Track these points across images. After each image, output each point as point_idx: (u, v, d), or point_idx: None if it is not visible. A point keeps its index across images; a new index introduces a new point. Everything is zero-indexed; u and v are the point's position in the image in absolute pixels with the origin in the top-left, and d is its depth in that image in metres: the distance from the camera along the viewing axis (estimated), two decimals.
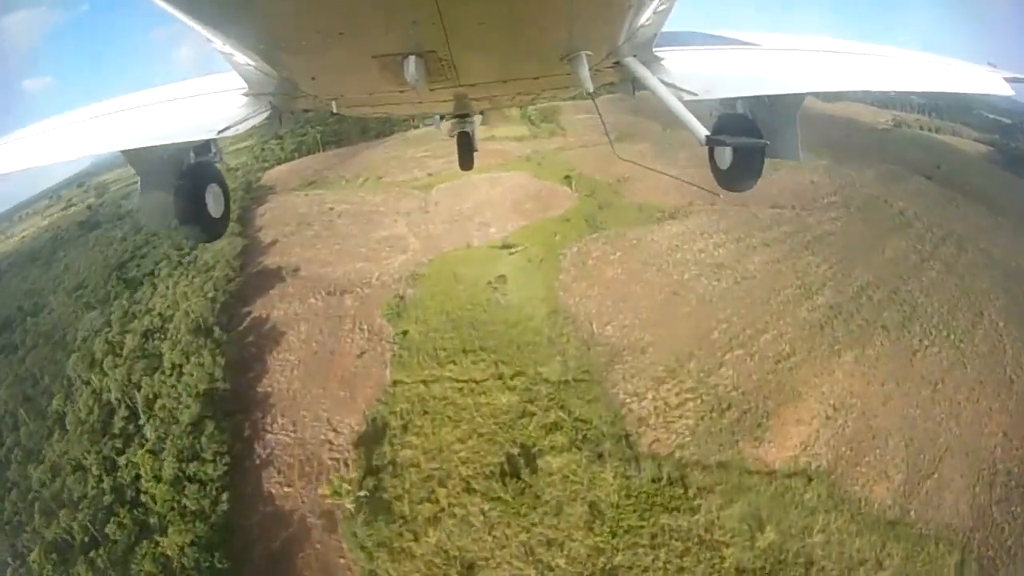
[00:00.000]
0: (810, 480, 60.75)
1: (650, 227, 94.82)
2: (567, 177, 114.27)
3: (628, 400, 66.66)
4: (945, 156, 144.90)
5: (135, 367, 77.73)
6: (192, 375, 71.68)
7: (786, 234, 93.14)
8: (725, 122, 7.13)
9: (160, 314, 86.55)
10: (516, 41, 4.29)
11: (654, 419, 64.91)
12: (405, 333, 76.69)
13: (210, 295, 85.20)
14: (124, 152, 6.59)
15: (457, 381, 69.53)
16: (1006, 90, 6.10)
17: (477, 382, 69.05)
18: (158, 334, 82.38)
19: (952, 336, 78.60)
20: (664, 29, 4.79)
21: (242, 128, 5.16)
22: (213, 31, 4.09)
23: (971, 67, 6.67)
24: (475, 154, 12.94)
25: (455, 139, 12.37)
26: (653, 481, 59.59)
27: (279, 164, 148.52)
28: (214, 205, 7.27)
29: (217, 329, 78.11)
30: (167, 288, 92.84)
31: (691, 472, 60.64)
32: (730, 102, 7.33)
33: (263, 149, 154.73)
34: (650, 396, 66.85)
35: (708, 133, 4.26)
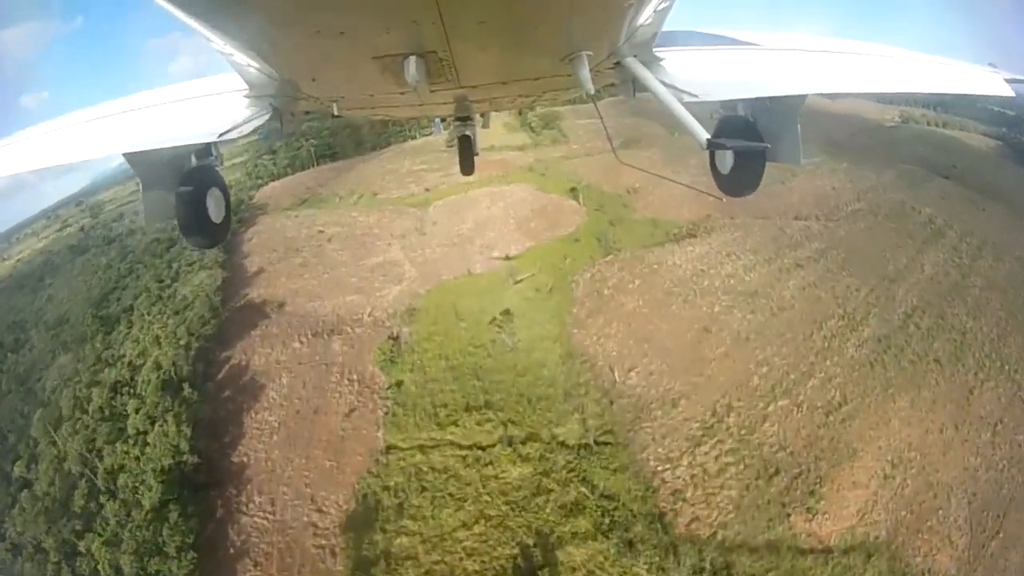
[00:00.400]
0: (869, 556, 49.38)
1: (669, 247, 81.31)
2: (573, 189, 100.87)
3: (660, 468, 53.85)
4: (958, 153, 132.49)
5: (99, 431, 65.30)
6: (156, 447, 58.99)
7: (819, 252, 79.69)
8: (726, 124, 6.43)
9: (130, 363, 73.71)
10: (516, 41, 3.98)
11: (691, 491, 52.16)
12: (400, 384, 63.78)
13: (183, 341, 72.09)
14: (125, 155, 5.72)
15: (460, 447, 56.74)
16: (1006, 91, 5.68)
17: (483, 449, 56.20)
18: (126, 388, 69.63)
19: (1006, 366, 66.49)
20: (664, 28, 4.41)
21: (243, 130, 4.83)
22: (213, 31, 3.74)
23: (972, 68, 6.17)
24: (476, 158, 11.60)
25: (456, 143, 11.07)
26: (694, 573, 47.38)
27: (272, 180, 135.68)
28: (215, 210, 6.46)
29: (187, 387, 64.89)
30: (141, 330, 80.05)
31: (737, 558, 48.50)
32: (731, 104, 6.53)
33: (256, 165, 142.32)
34: (685, 462, 54.00)
35: (709, 136, 3.96)
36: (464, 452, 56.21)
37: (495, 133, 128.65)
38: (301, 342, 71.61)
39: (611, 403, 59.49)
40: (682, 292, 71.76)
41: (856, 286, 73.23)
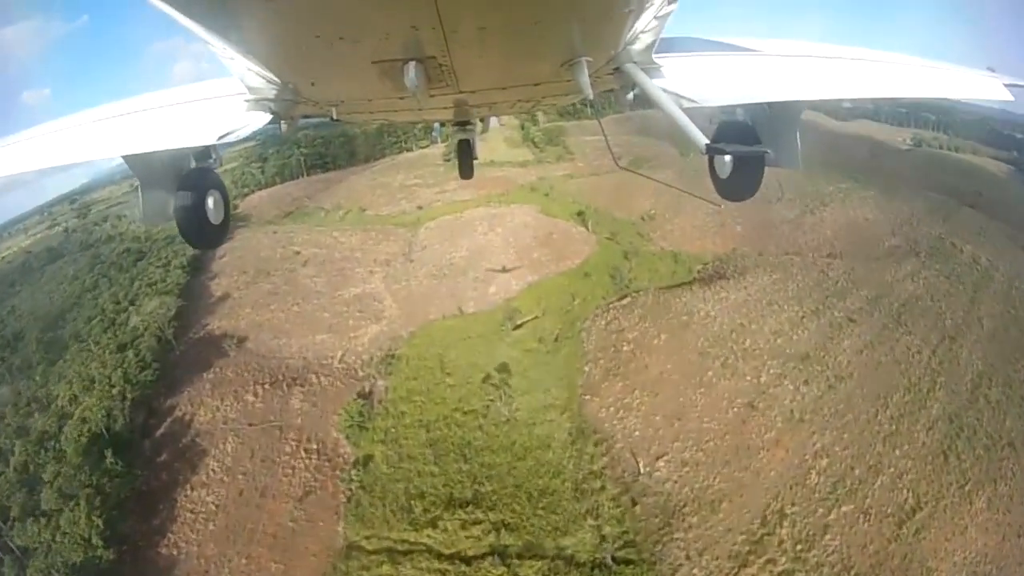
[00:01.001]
0: None
1: (698, 292, 66.33)
2: (581, 213, 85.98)
3: None
4: (979, 180, 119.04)
5: (14, 499, 50.76)
6: (66, 536, 44.58)
7: (869, 301, 64.96)
8: (725, 129, 5.91)
9: (60, 410, 58.63)
10: (516, 47, 3.66)
11: None
12: (368, 461, 49.27)
13: (117, 389, 56.77)
14: (124, 157, 5.39)
15: (439, 557, 42.29)
16: (1005, 95, 5.14)
17: (469, 562, 41.70)
18: (51, 443, 54.71)
19: None
20: (664, 35, 4.00)
21: (242, 134, 4.53)
22: (212, 35, 3.50)
23: (970, 72, 5.56)
24: (475, 176, 11.13)
25: (455, 148, 10.49)
26: None
27: (259, 190, 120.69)
28: (214, 212, 5.96)
29: (110, 454, 49.78)
30: (80, 366, 64.68)
31: None
32: (730, 109, 6.02)
33: (243, 173, 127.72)
34: None
35: (708, 141, 3.69)
36: (444, 565, 41.47)
37: (496, 148, 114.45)
38: (256, 394, 56.82)
39: (633, 503, 44.81)
40: (720, 354, 56.75)
41: (917, 347, 58.55)
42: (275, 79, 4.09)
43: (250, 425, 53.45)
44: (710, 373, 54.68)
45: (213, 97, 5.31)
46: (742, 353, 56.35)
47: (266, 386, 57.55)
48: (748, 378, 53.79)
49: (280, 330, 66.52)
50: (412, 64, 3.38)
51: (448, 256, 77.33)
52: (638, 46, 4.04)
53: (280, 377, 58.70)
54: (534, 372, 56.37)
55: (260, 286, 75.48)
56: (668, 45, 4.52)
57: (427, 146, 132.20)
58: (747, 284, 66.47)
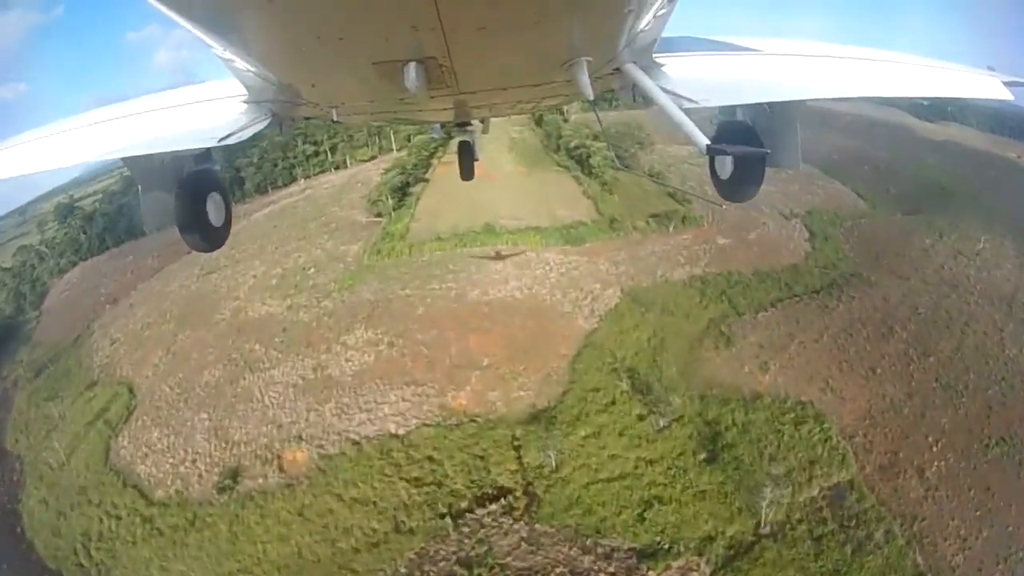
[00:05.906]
0: None
1: None
2: None
3: None
4: None
5: None
6: None
7: None
8: (725, 130, 4.79)
9: None
10: (516, 47, 3.08)
11: None
12: None
13: None
14: (124, 159, 4.44)
15: None
16: (1005, 94, 4.15)
17: None
18: None
19: None
20: (664, 34, 3.45)
21: (243, 135, 3.62)
22: (213, 36, 2.95)
23: (970, 71, 4.50)
24: (477, 171, 9.32)
25: (456, 150, 9.12)
26: None
27: (81, 258, 50.96)
28: (215, 214, 4.80)
29: None
30: None
31: None
32: (729, 109, 4.88)
33: (57, 235, 56.72)
34: None
35: (708, 142, 3.05)
36: None
37: (495, 168, 43.52)
38: None
39: None
40: None
41: None
42: (275, 80, 3.37)
43: None
44: None
45: (213, 99, 4.25)
46: None
47: None
48: None
49: None
50: (412, 65, 2.76)
51: None
52: (638, 46, 3.34)
53: None
54: None
55: None
56: (668, 45, 3.76)
57: (370, 158, 61.04)
58: None
